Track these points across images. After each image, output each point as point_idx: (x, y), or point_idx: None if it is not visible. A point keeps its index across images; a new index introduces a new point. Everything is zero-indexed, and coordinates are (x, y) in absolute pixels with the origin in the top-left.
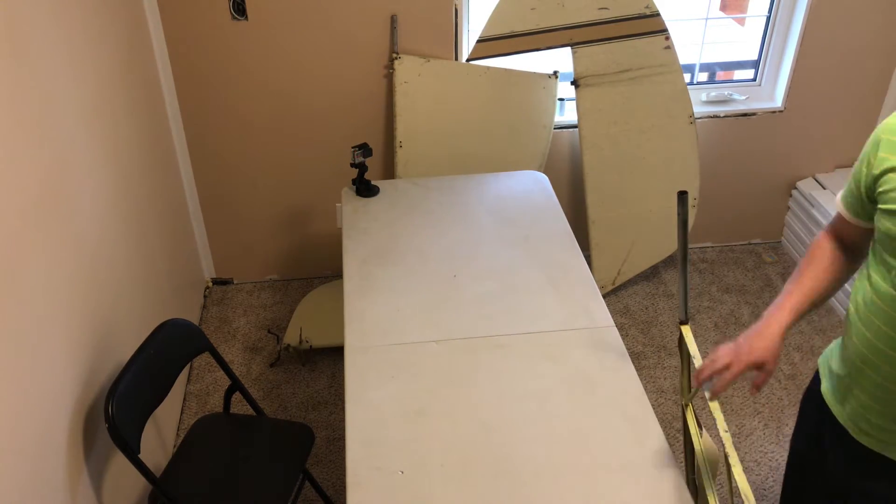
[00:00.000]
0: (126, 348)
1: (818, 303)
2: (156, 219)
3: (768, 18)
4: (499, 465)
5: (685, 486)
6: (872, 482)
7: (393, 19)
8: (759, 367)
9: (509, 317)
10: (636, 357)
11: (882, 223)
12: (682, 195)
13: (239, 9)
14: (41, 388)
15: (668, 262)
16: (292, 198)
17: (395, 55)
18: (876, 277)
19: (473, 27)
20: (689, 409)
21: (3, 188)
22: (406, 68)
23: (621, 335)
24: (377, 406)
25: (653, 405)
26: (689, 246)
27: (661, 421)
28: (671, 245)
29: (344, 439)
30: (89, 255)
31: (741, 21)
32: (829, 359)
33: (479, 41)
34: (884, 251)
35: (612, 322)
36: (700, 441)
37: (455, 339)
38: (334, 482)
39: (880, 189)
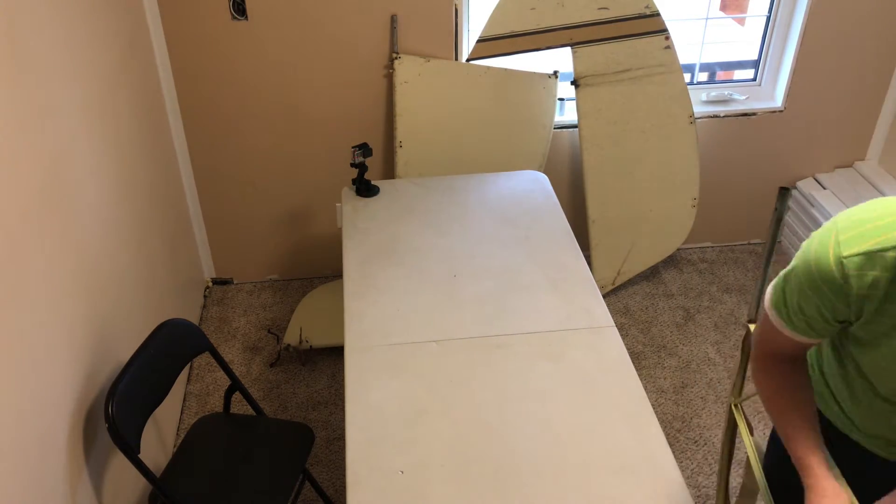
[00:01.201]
0: (126, 348)
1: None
2: (156, 218)
3: (768, 18)
4: (499, 465)
5: (685, 486)
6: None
7: (393, 19)
8: None
9: (509, 317)
10: (636, 357)
11: None
12: (785, 191)
13: (239, 9)
14: (42, 388)
15: (667, 261)
16: (292, 197)
17: (395, 55)
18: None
19: (473, 27)
20: (738, 409)
21: (4, 188)
22: (406, 68)
23: (621, 335)
24: (377, 406)
25: (653, 405)
26: (689, 246)
27: (661, 421)
28: (671, 245)
29: (344, 439)
30: (90, 255)
31: (741, 21)
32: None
33: (479, 41)
34: None
35: (612, 322)
36: (751, 442)
37: (455, 339)
38: (334, 482)
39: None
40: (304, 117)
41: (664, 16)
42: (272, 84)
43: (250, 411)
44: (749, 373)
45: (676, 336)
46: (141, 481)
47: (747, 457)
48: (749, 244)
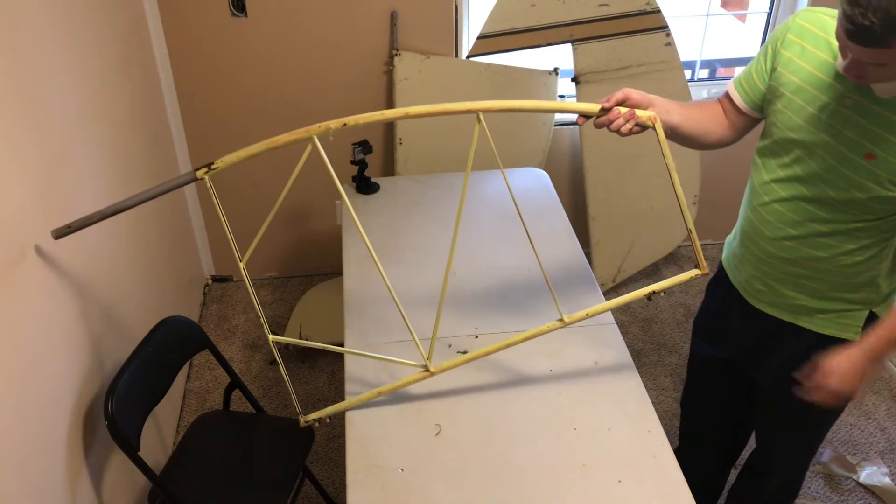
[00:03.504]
0: (125, 346)
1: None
2: (155, 216)
3: (769, 15)
4: (498, 463)
5: (685, 485)
6: (768, 339)
7: (393, 16)
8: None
9: (509, 314)
10: (636, 355)
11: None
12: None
13: (238, 5)
14: (41, 386)
15: (668, 259)
16: (292, 195)
17: (395, 52)
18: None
19: (473, 24)
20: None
21: (4, 185)
22: (406, 65)
23: (621, 333)
24: (376, 404)
25: (653, 402)
26: (690, 244)
27: (662, 419)
28: (671, 242)
29: (344, 437)
30: (89, 252)
31: (742, 18)
32: (733, 237)
33: (479, 38)
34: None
35: (612, 319)
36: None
37: (455, 337)
38: (334, 480)
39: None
40: (304, 114)
41: (665, 12)
42: (272, 80)
43: (250, 409)
44: None
45: (677, 334)
46: (141, 479)
47: None
48: None
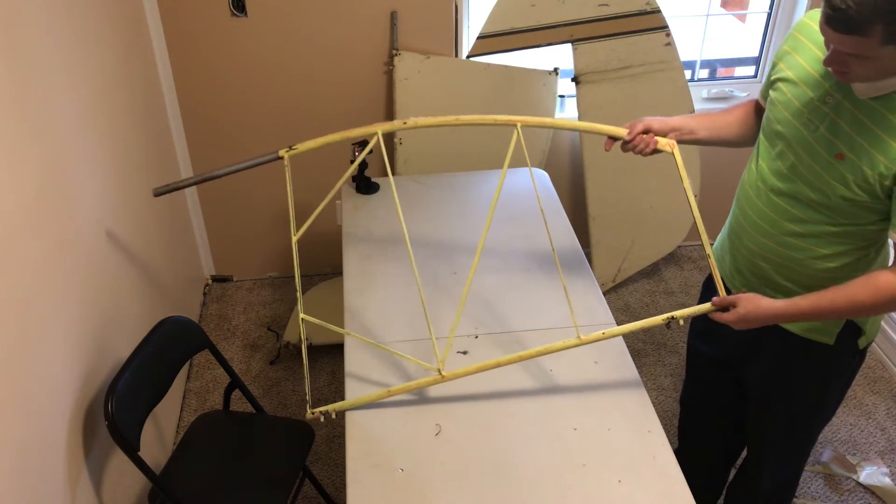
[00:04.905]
0: (125, 346)
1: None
2: (155, 216)
3: (769, 15)
4: (498, 463)
5: (685, 485)
6: (755, 339)
7: (393, 15)
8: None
9: (509, 314)
10: (636, 354)
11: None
12: None
13: (238, 5)
14: (41, 386)
15: (668, 259)
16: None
17: (394, 51)
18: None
19: (473, 23)
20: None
21: (3, 185)
22: (406, 65)
23: None
24: (377, 404)
25: (653, 402)
26: (690, 243)
27: (662, 418)
28: (671, 242)
29: (344, 437)
30: (88, 252)
31: (742, 17)
32: (723, 231)
33: (479, 38)
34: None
35: (612, 319)
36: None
37: (455, 337)
38: (334, 480)
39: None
40: (304, 114)
41: (665, 12)
42: (272, 80)
43: (250, 409)
44: None
45: (677, 333)
46: (141, 479)
47: None
48: None
